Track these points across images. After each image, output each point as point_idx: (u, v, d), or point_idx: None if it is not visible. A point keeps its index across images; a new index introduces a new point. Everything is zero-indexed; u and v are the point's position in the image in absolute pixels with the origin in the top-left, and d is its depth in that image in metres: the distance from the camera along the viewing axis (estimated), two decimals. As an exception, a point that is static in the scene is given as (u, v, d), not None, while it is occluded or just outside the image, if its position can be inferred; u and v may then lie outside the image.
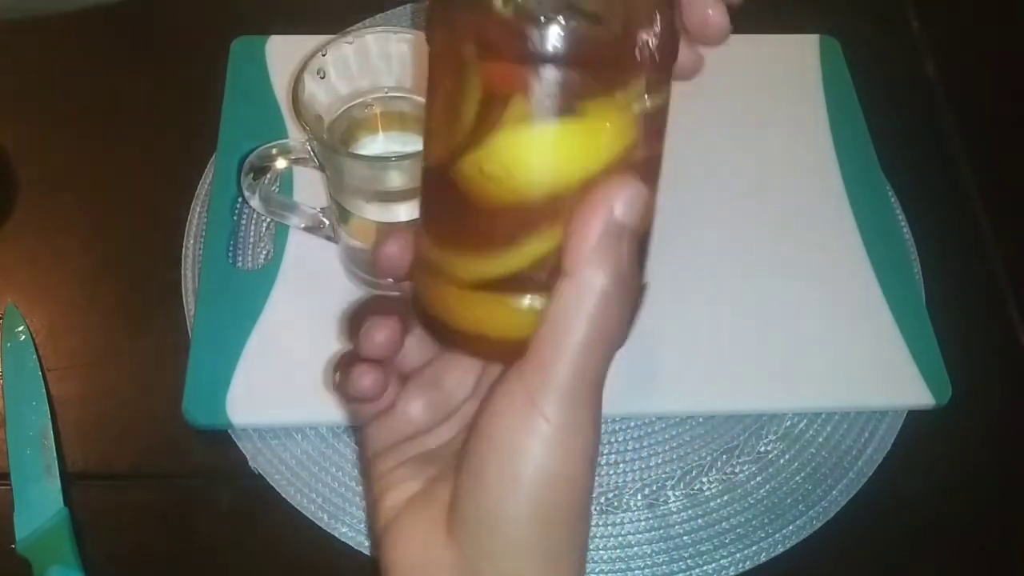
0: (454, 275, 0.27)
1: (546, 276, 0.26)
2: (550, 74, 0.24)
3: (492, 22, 0.24)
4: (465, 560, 0.25)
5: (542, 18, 0.24)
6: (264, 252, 0.51)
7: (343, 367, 0.31)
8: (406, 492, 0.29)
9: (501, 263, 0.26)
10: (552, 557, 0.25)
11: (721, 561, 0.44)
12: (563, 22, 0.24)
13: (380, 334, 0.30)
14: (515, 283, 0.26)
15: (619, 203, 0.25)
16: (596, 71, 0.25)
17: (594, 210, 0.25)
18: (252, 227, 0.52)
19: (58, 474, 0.44)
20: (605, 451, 0.47)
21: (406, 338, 0.32)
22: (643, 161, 0.26)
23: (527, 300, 0.26)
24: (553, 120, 0.25)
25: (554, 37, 0.24)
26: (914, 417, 0.48)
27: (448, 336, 0.28)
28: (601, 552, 0.44)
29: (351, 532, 0.44)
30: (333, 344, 0.47)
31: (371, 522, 0.29)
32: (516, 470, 0.25)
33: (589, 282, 0.25)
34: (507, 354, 0.27)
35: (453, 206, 0.27)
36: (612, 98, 0.25)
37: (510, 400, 0.25)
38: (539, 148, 0.25)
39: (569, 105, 0.25)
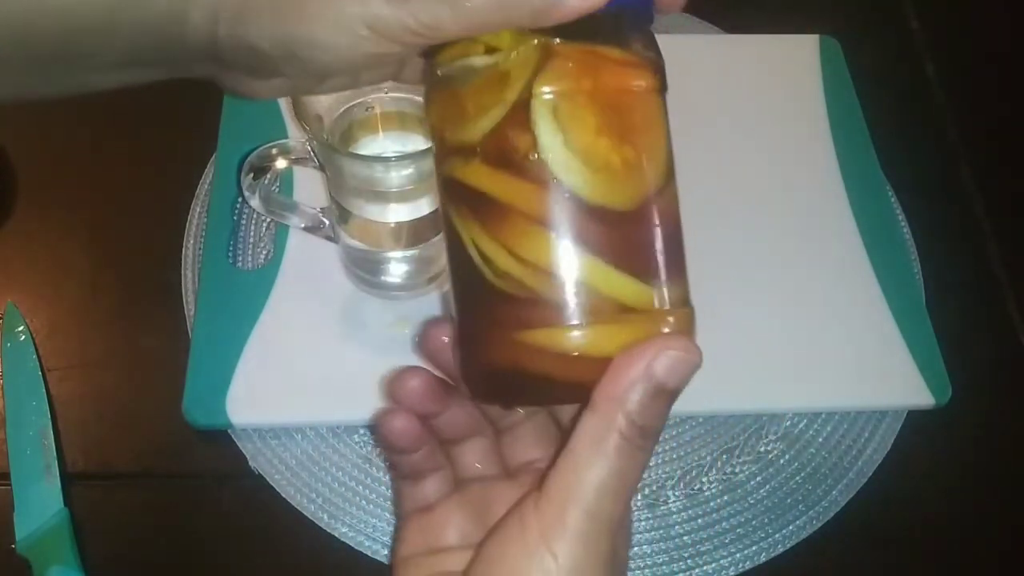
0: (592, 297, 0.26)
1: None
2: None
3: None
4: None
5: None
6: (264, 252, 0.51)
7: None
8: None
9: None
10: None
11: (721, 561, 0.44)
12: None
13: (413, 379, 0.29)
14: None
15: (664, 361, 0.25)
16: None
17: (642, 356, 0.24)
18: (252, 227, 0.52)
19: (58, 474, 0.44)
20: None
21: (466, 442, 0.32)
22: None
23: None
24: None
25: None
26: (914, 417, 0.48)
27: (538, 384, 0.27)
28: (601, 552, 0.44)
29: (351, 532, 0.44)
30: (333, 344, 0.47)
31: None
32: None
33: (613, 423, 0.24)
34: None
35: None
36: None
37: (521, 531, 0.25)
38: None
39: None
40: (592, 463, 0.24)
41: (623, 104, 0.26)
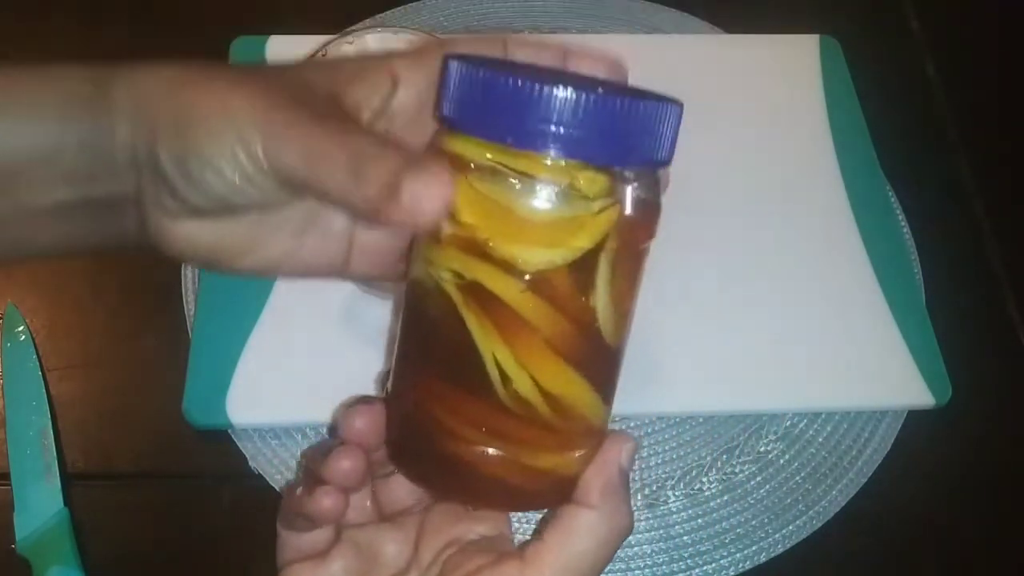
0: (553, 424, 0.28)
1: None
2: None
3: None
4: None
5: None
6: (264, 252, 0.51)
7: (305, 486, 0.32)
8: None
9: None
10: None
11: (721, 561, 0.44)
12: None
13: (346, 461, 0.31)
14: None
15: (626, 454, 0.29)
16: None
17: (613, 457, 0.29)
18: (252, 227, 0.51)
19: (58, 474, 0.44)
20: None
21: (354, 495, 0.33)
22: None
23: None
24: None
25: None
26: (914, 417, 0.48)
27: (481, 487, 0.28)
28: (601, 552, 0.44)
29: (351, 532, 0.44)
30: (333, 344, 0.47)
31: None
32: None
33: (609, 516, 0.29)
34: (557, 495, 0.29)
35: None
36: None
37: None
38: None
39: None
40: (584, 541, 0.28)
41: (641, 256, 0.28)
